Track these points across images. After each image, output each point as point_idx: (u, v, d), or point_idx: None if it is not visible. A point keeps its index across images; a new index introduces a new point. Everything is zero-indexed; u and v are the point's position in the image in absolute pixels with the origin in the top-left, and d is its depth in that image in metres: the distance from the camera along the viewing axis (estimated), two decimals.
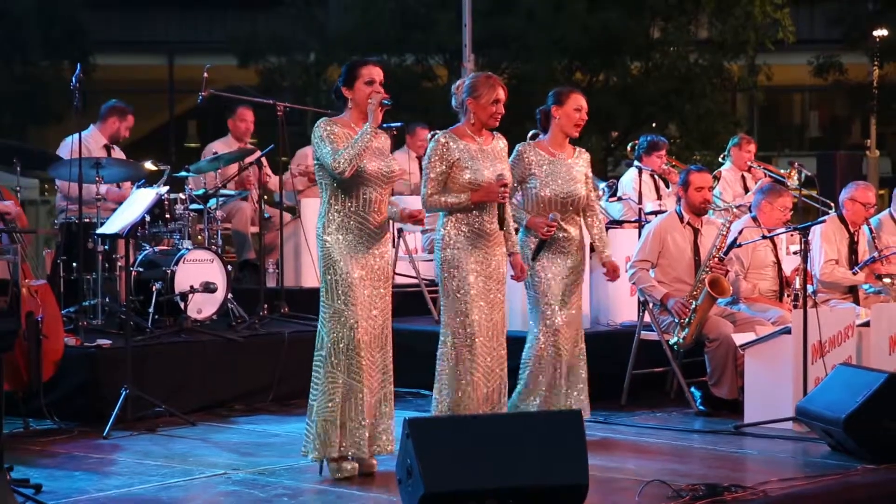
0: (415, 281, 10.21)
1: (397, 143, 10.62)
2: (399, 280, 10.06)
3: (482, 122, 6.78)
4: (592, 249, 7.76)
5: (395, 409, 6.54)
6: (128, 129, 9.77)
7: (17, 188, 8.56)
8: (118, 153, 9.73)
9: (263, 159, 10.00)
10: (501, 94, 6.78)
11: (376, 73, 6.43)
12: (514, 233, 6.96)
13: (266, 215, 10.30)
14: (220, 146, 10.59)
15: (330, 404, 6.31)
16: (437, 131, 6.85)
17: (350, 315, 6.31)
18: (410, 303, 10.00)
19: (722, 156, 12.21)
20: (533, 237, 7.24)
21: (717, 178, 11.19)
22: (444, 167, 6.67)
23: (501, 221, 6.71)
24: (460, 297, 6.64)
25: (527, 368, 7.26)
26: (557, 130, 7.31)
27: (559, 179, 7.21)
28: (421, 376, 6.99)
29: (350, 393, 6.33)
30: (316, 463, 6.42)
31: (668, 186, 11.29)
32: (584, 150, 7.47)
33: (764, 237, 8.76)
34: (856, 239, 9.36)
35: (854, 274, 9.22)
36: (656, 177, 11.22)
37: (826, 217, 9.52)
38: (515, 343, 8.14)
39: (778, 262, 8.98)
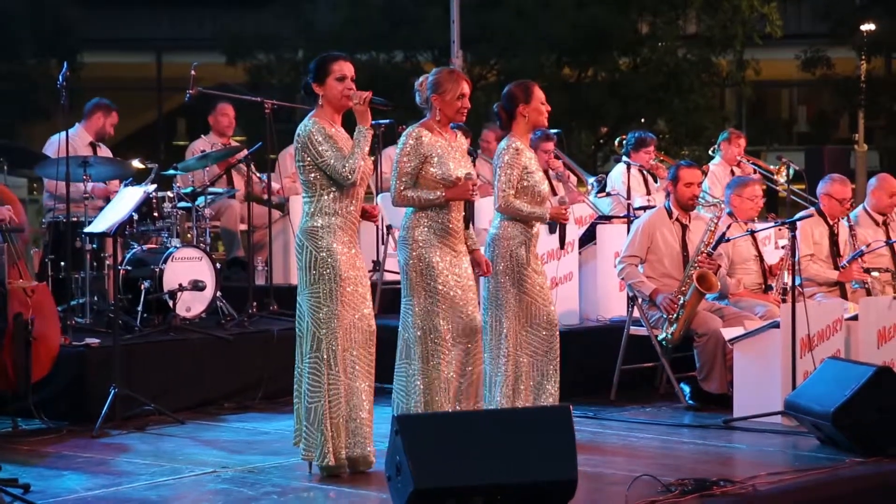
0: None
1: (390, 140, 10.61)
2: (388, 276, 10.06)
3: (448, 118, 6.69)
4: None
5: (381, 406, 6.57)
6: (112, 126, 9.76)
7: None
8: (104, 151, 9.71)
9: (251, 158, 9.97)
10: (466, 88, 6.69)
11: (347, 68, 6.37)
12: (470, 229, 6.83)
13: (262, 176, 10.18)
14: (204, 144, 10.57)
15: (337, 407, 6.28)
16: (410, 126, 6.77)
17: (346, 315, 6.30)
18: (398, 299, 9.98)
19: (711, 150, 12.23)
20: (523, 233, 7.07)
21: (704, 173, 11.22)
22: (417, 161, 6.57)
23: (468, 220, 6.68)
24: (432, 297, 6.55)
25: (499, 367, 7.13)
26: (527, 127, 7.13)
27: (541, 176, 7.17)
28: None
29: (351, 392, 6.32)
30: (305, 461, 6.42)
31: (656, 182, 11.31)
32: None
33: (752, 232, 8.78)
34: (836, 231, 9.38)
35: (842, 268, 9.23)
36: (645, 172, 11.24)
37: (807, 211, 9.53)
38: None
39: (760, 255, 9.00)
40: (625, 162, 10.57)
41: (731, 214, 9.00)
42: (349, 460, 6.37)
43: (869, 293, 9.12)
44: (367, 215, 6.62)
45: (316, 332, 6.30)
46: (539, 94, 7.14)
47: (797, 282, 7.91)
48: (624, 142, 11.39)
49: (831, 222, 9.35)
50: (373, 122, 6.48)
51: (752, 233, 8.78)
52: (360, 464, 6.39)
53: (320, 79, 6.38)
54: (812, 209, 9.55)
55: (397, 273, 9.79)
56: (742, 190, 9.04)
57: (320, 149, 6.26)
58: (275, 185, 10.36)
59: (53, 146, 9.31)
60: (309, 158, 6.29)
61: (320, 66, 6.40)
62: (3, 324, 7.37)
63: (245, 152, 10.07)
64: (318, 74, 6.39)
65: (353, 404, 6.32)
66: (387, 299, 9.60)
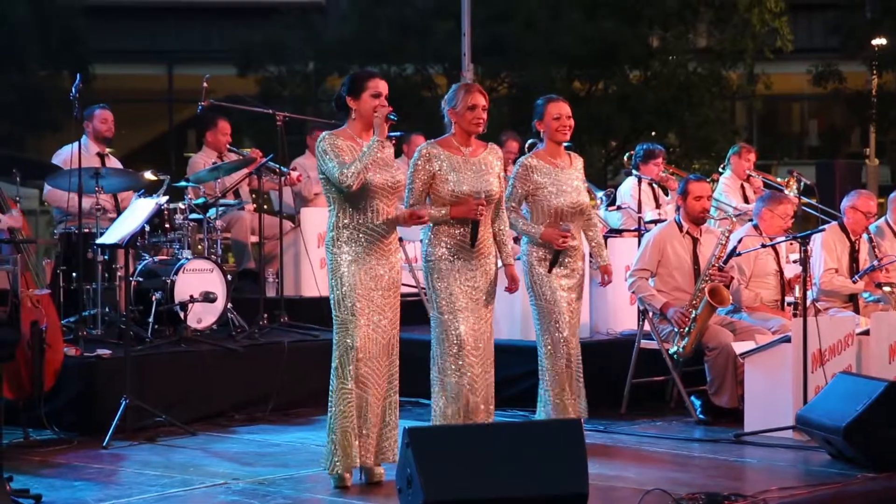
0: (414, 290, 10.20)
1: (395, 153, 10.60)
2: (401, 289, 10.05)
3: (465, 131, 6.76)
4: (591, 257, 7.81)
5: (404, 419, 6.58)
6: (102, 122, 9.69)
7: (18, 198, 8.57)
8: (113, 162, 9.71)
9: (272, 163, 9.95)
10: (480, 99, 6.75)
11: (382, 86, 6.43)
12: (508, 244, 6.95)
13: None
14: (203, 159, 10.56)
15: (347, 414, 6.31)
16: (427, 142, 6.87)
17: (357, 326, 6.33)
18: (410, 311, 9.94)
19: (722, 165, 12.22)
20: (540, 248, 7.24)
21: (714, 181, 11.23)
22: (424, 179, 6.68)
23: (474, 239, 6.69)
24: (446, 309, 6.65)
25: (544, 380, 7.27)
26: (547, 141, 7.38)
27: (565, 189, 7.25)
28: (420, 385, 7.03)
29: (360, 402, 6.34)
30: (318, 473, 6.43)
31: (667, 194, 11.30)
32: (577, 155, 7.50)
33: (763, 245, 8.76)
34: (857, 247, 9.36)
35: (854, 282, 9.22)
36: (655, 185, 11.23)
37: (827, 226, 9.52)
38: (517, 353, 8.17)
39: (780, 271, 8.97)
40: (635, 175, 10.57)
41: (756, 227, 8.97)
42: (364, 471, 6.41)
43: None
44: (418, 219, 6.50)
45: (334, 342, 6.38)
46: (553, 110, 7.34)
47: (812, 296, 7.88)
48: (632, 156, 11.39)
49: (853, 237, 9.33)
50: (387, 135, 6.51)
51: (765, 246, 8.76)
52: (369, 476, 6.42)
53: (355, 93, 6.42)
54: (834, 222, 9.52)
55: (411, 286, 9.89)
56: (776, 206, 8.99)
57: (325, 157, 6.33)
58: (294, 174, 10.32)
59: (61, 157, 9.33)
60: (323, 170, 6.34)
61: (356, 81, 6.45)
62: (16, 335, 7.37)
63: (259, 154, 10.05)
64: (353, 88, 6.43)
65: (363, 415, 6.34)
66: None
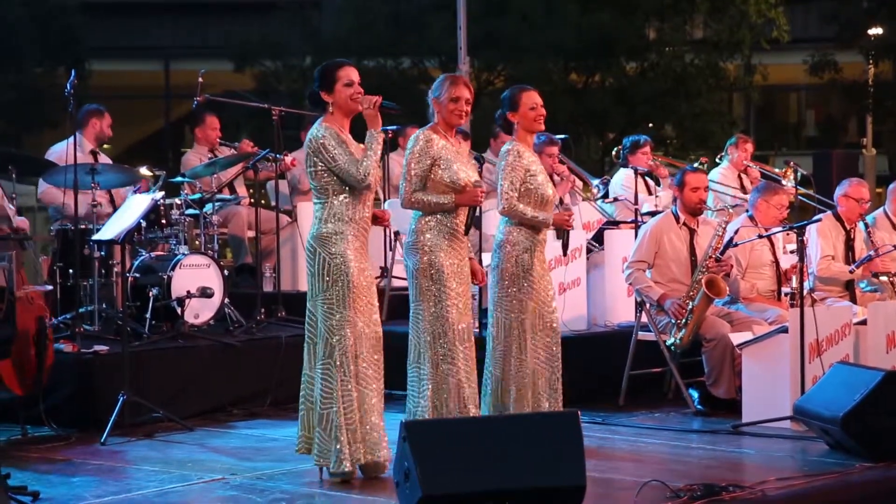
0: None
1: (391, 146, 10.63)
2: (396, 283, 10.06)
3: (447, 122, 6.72)
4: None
5: (391, 412, 6.59)
6: (109, 127, 9.73)
7: (14, 195, 8.57)
8: (104, 158, 9.70)
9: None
10: (465, 92, 6.71)
11: (353, 74, 6.42)
12: (469, 235, 6.83)
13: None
14: (195, 155, 10.55)
15: (349, 413, 6.29)
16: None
17: (359, 321, 6.33)
18: (405, 305, 9.98)
19: (719, 156, 12.23)
20: (527, 236, 7.04)
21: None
22: (426, 164, 6.61)
23: (469, 226, 6.68)
24: (442, 302, 6.57)
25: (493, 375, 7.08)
26: (522, 132, 7.10)
27: (545, 179, 7.14)
28: None
29: (363, 398, 6.34)
30: (316, 467, 6.42)
31: (658, 183, 11.32)
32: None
33: (760, 236, 8.76)
34: (852, 236, 9.37)
35: (851, 271, 9.22)
36: (646, 176, 11.24)
37: (822, 215, 9.52)
38: None
39: (776, 262, 8.98)
40: (631, 167, 10.58)
41: (751, 218, 8.97)
42: (362, 467, 6.39)
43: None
44: (378, 220, 6.61)
45: (329, 338, 6.32)
46: (528, 100, 7.07)
47: (809, 286, 7.89)
48: (620, 150, 11.43)
49: (848, 226, 9.33)
50: (382, 129, 6.50)
51: (761, 237, 8.76)
52: (372, 470, 6.42)
53: (328, 86, 6.40)
54: (829, 213, 9.53)
55: (405, 279, 9.84)
56: (771, 196, 8.99)
57: (334, 153, 6.28)
58: (287, 159, 10.31)
59: (54, 155, 9.31)
60: (321, 164, 6.32)
61: (327, 74, 6.42)
62: (12, 330, 7.37)
63: (250, 145, 10.04)
64: (325, 82, 6.41)
65: (365, 410, 6.34)
66: (395, 306, 9.59)
